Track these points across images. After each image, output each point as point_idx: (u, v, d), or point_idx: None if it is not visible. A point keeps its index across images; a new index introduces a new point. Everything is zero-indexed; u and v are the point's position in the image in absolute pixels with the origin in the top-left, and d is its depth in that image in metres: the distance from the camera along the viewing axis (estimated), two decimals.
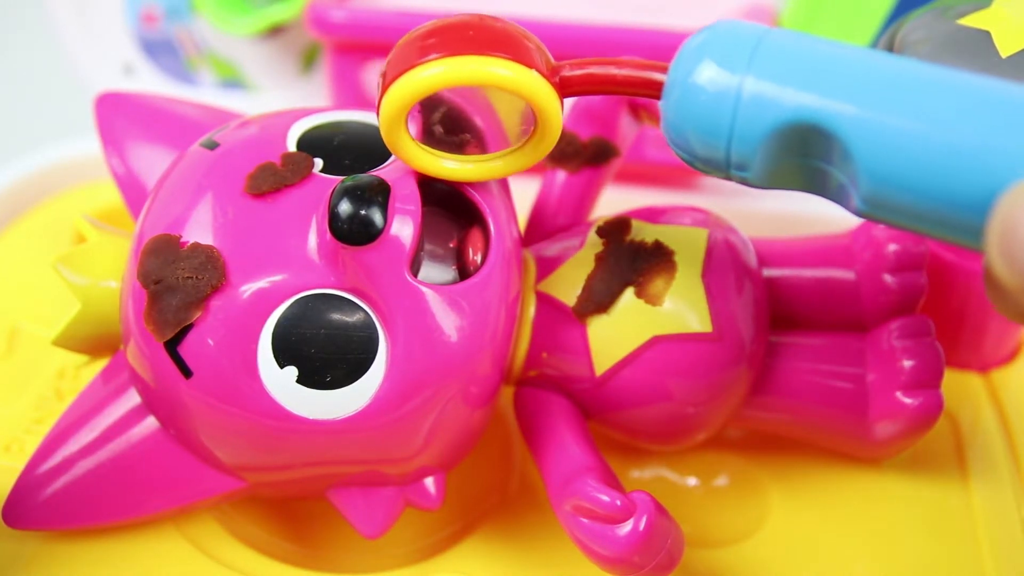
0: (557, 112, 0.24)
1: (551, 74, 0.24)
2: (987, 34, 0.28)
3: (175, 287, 0.25)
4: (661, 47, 0.39)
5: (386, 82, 0.24)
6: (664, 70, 0.23)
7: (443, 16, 0.25)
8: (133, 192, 0.30)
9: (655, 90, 0.23)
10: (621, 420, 0.29)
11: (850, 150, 0.20)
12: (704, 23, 0.23)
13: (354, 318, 0.25)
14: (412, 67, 0.23)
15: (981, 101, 0.20)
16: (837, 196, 0.22)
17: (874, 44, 0.38)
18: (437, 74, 0.23)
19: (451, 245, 0.27)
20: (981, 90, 0.20)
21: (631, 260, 0.28)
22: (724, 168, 0.22)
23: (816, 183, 0.22)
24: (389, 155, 0.27)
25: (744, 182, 0.22)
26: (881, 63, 0.21)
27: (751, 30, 0.22)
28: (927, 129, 0.20)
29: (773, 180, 0.22)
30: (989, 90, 0.20)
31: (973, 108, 0.19)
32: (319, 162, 0.27)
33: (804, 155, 0.21)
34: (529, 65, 0.24)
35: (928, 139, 0.20)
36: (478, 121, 0.27)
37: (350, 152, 0.27)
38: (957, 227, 0.20)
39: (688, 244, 0.28)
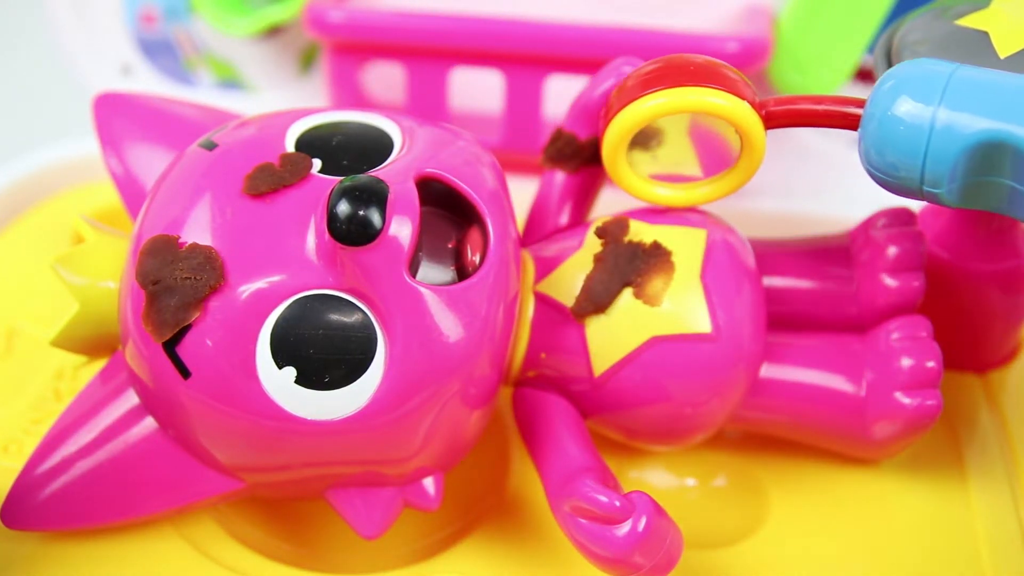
0: (762, 140, 0.27)
1: (758, 108, 0.27)
2: (985, 35, 0.28)
3: (173, 287, 0.25)
4: (660, 48, 0.39)
5: (613, 111, 0.27)
6: (860, 105, 0.26)
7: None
8: (131, 193, 0.30)
9: (853, 122, 0.26)
10: (619, 421, 0.29)
11: None
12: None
13: (352, 318, 0.25)
14: (638, 97, 0.27)
15: None
16: (1022, 211, 0.24)
17: (873, 44, 0.38)
18: (662, 103, 0.27)
19: (449, 245, 0.27)
20: None
21: (629, 260, 0.28)
22: (918, 186, 0.24)
23: (1002, 200, 0.24)
24: (387, 155, 0.27)
25: (936, 200, 0.25)
26: None
27: (941, 68, 0.24)
28: None
29: (963, 198, 0.24)
30: None
31: None
32: (317, 162, 0.27)
33: (991, 173, 0.24)
34: (741, 97, 0.27)
35: None
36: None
37: (349, 152, 0.27)
38: None
39: (686, 244, 0.28)
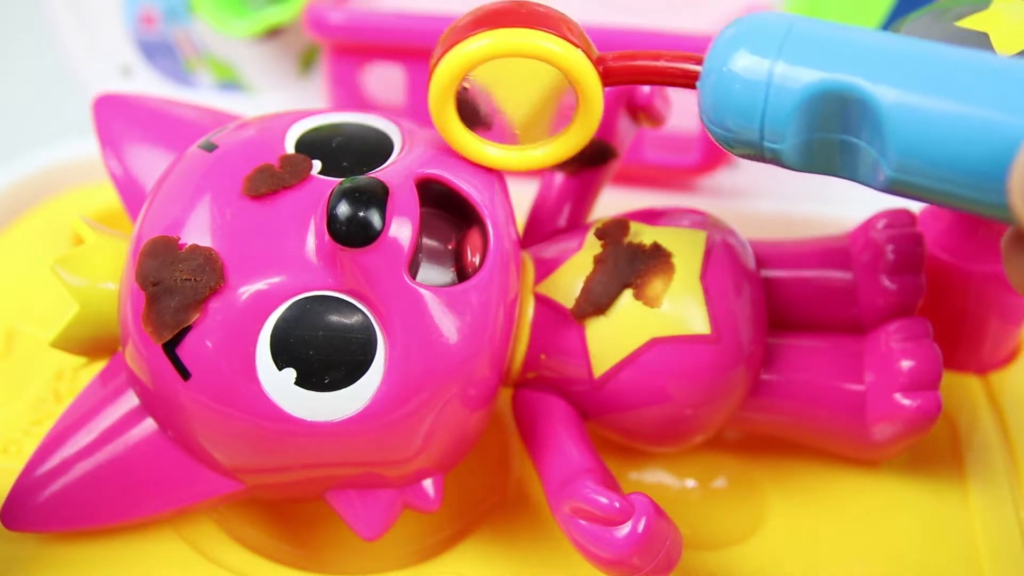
0: (599, 93, 0.25)
1: (596, 63, 0.25)
2: (985, 36, 0.28)
3: (173, 289, 0.25)
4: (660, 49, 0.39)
5: (437, 57, 0.25)
6: (699, 61, 0.25)
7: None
8: (131, 194, 0.30)
9: (691, 79, 0.25)
10: (619, 422, 0.29)
11: (879, 117, 0.22)
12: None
13: (352, 320, 0.25)
14: (463, 39, 0.25)
15: (997, 69, 0.21)
16: (866, 171, 0.23)
17: None
18: (487, 45, 0.25)
19: (449, 247, 0.27)
20: (995, 60, 0.22)
21: (629, 262, 0.28)
22: (759, 143, 0.24)
23: (846, 159, 0.24)
24: (387, 157, 0.27)
25: (778, 159, 0.24)
26: (900, 39, 0.23)
27: (780, 19, 0.23)
28: (951, 93, 0.21)
29: (804, 156, 0.24)
30: (1002, 61, 0.22)
31: (991, 75, 0.21)
32: (317, 164, 0.27)
33: (833, 129, 0.23)
34: (575, 47, 0.25)
35: (952, 103, 0.21)
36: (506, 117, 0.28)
37: (348, 154, 0.27)
38: (982, 187, 0.21)
39: (686, 246, 0.28)
